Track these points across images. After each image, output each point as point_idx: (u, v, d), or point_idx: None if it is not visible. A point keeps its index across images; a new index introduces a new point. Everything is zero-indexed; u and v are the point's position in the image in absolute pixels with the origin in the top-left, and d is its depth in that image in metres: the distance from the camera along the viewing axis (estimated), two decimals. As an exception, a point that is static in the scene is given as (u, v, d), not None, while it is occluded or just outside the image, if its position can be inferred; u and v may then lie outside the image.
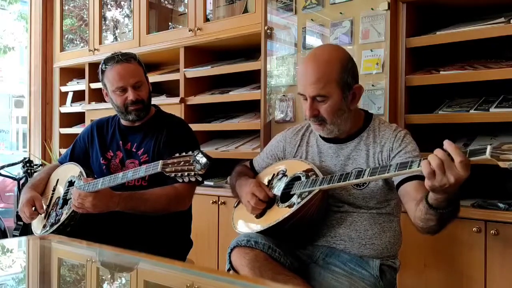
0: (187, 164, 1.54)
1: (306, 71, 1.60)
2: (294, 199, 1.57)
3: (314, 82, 1.56)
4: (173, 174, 1.57)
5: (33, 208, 1.99)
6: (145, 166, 1.69)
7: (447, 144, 1.22)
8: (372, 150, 1.62)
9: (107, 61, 1.99)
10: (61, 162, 2.19)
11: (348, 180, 1.45)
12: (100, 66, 2.03)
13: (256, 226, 1.63)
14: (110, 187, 1.79)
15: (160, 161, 1.61)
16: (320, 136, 1.72)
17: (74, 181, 1.98)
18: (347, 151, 1.65)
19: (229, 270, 1.58)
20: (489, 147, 1.15)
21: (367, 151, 1.63)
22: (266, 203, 1.63)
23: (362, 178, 1.42)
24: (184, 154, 1.57)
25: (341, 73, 1.56)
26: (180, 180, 1.57)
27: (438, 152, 1.22)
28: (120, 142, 2.06)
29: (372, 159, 1.61)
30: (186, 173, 1.54)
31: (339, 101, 1.57)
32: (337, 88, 1.56)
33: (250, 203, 1.63)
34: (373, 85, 2.18)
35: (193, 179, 1.55)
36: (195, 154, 1.54)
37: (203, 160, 1.52)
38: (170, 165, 1.58)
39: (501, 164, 1.14)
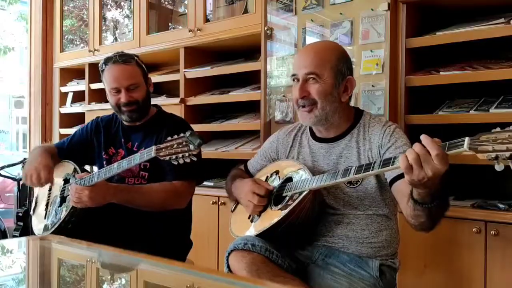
0: (180, 146, 1.55)
1: (302, 54, 1.64)
2: (286, 201, 1.57)
3: (309, 61, 1.60)
4: (167, 158, 1.57)
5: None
6: (139, 152, 1.70)
7: (423, 138, 1.22)
8: (363, 147, 1.61)
9: (106, 60, 2.02)
10: (58, 146, 2.18)
11: (336, 179, 1.45)
12: (100, 64, 2.04)
13: (251, 230, 1.63)
14: (106, 179, 1.80)
15: (153, 146, 1.62)
16: (312, 136, 1.72)
17: (69, 178, 1.99)
18: (338, 149, 1.65)
19: (227, 274, 1.58)
20: (467, 139, 1.14)
21: (358, 148, 1.62)
22: (267, 200, 1.63)
23: (348, 177, 1.42)
24: (176, 136, 1.58)
25: (336, 60, 1.60)
26: (175, 163, 1.57)
27: (415, 146, 1.22)
28: (122, 140, 2.07)
29: (363, 156, 1.60)
30: (180, 155, 1.55)
31: (331, 84, 1.58)
32: (330, 72, 1.58)
33: (252, 202, 1.61)
34: (373, 86, 2.18)
35: (188, 160, 1.56)
36: (188, 135, 1.55)
37: (196, 140, 1.53)
38: (163, 149, 1.59)
39: (480, 156, 1.12)
